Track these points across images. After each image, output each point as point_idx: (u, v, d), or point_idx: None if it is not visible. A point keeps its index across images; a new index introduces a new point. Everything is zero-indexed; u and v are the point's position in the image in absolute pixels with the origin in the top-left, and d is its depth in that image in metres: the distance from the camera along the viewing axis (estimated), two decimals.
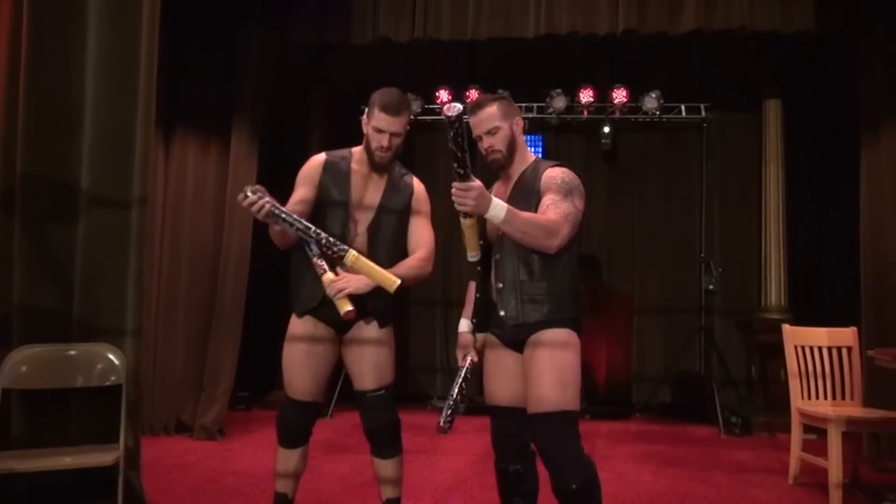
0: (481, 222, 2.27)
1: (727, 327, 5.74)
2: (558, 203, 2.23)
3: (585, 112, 5.68)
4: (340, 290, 2.37)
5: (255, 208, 2.33)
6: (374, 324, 2.55)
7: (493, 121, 2.32)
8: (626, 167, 6.03)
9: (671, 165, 5.99)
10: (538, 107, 5.66)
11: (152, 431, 4.54)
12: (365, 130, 2.55)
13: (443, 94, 5.74)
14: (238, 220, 4.70)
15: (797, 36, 4.80)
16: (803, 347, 3.76)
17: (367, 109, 2.53)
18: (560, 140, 6.06)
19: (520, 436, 2.33)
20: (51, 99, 3.00)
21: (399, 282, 2.39)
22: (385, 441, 2.57)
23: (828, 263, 5.59)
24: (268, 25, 4.88)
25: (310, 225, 2.40)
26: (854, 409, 3.61)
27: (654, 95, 5.46)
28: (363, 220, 2.55)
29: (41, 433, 2.92)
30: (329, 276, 2.40)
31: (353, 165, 2.59)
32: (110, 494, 2.81)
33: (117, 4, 3.05)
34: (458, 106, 1.96)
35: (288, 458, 2.59)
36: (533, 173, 2.35)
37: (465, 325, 2.51)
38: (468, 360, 2.42)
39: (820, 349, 3.75)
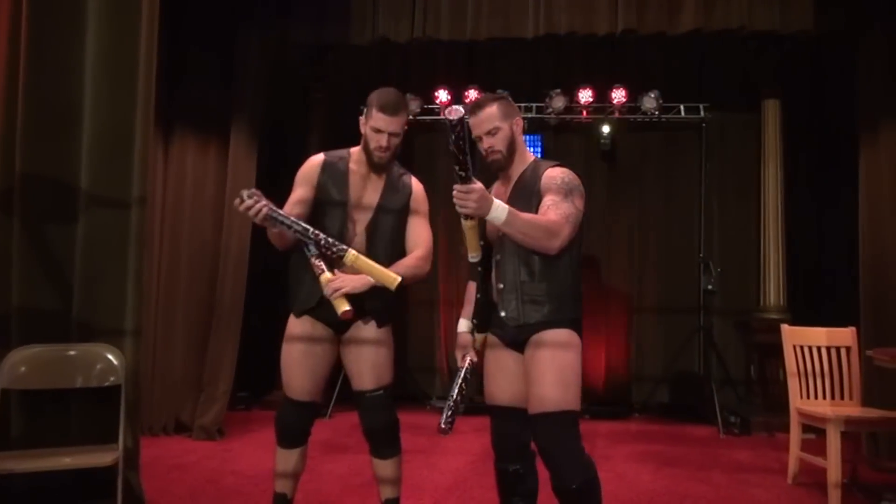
0: (482, 223, 2.27)
1: (726, 327, 5.74)
2: (559, 204, 2.23)
3: (584, 112, 5.69)
4: (337, 290, 2.38)
5: (252, 212, 2.34)
6: (373, 324, 2.55)
7: (494, 121, 2.33)
8: (626, 167, 6.03)
9: (670, 165, 5.99)
10: (537, 107, 5.66)
11: (151, 432, 4.54)
12: (363, 131, 2.55)
13: (442, 95, 5.74)
14: (237, 221, 4.70)
15: (796, 36, 4.80)
16: (802, 347, 3.77)
17: (364, 110, 2.54)
18: (559, 140, 6.06)
19: (520, 436, 2.34)
20: (50, 99, 3.00)
21: (400, 279, 2.39)
22: (384, 441, 2.57)
23: (827, 263, 5.59)
24: (267, 25, 4.88)
25: (308, 226, 2.41)
26: (853, 409, 3.61)
27: (653, 95, 5.46)
28: (361, 220, 2.55)
29: (40, 433, 2.92)
30: (327, 275, 2.40)
31: (352, 165, 2.60)
32: (109, 495, 2.80)
33: (116, 4, 3.05)
34: (460, 109, 1.97)
35: (287, 459, 2.59)
36: (533, 173, 2.35)
37: (464, 325, 2.52)
38: (467, 361, 2.42)
39: (819, 349, 3.76)
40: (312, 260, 2.42)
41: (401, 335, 5.78)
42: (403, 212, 2.60)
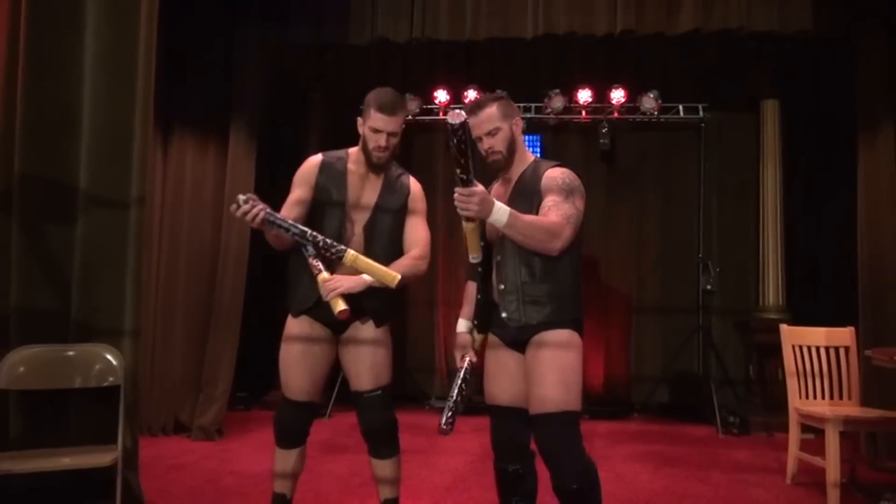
0: (482, 224, 2.27)
1: (725, 327, 5.74)
2: (560, 204, 2.24)
3: (583, 112, 5.69)
4: (333, 290, 2.38)
5: (249, 217, 2.34)
6: (371, 324, 2.56)
7: (494, 122, 2.33)
8: (624, 167, 6.03)
9: (669, 166, 5.99)
10: (536, 107, 5.67)
11: (150, 432, 4.53)
12: (361, 131, 2.55)
13: (441, 95, 5.75)
14: (236, 221, 4.62)
15: (795, 36, 4.80)
16: (801, 347, 3.77)
17: (362, 110, 2.53)
18: (558, 140, 6.06)
19: (519, 436, 2.34)
20: (49, 99, 3.00)
21: (399, 277, 2.40)
22: (382, 441, 2.57)
23: (825, 263, 5.59)
24: (266, 26, 4.88)
25: (306, 229, 2.41)
26: (851, 409, 3.62)
27: (652, 96, 5.47)
28: (360, 220, 2.56)
29: (39, 434, 2.92)
30: (324, 275, 2.41)
31: (350, 166, 2.60)
32: (109, 495, 2.80)
33: (115, 4, 3.05)
34: (462, 113, 1.97)
35: (285, 459, 2.59)
36: (533, 174, 2.36)
37: (463, 325, 2.52)
38: (466, 361, 2.42)
39: (817, 349, 3.76)
40: (310, 260, 2.42)
41: (400, 335, 5.79)
42: (401, 211, 2.60)
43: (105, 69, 3.03)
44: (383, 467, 2.59)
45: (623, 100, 5.57)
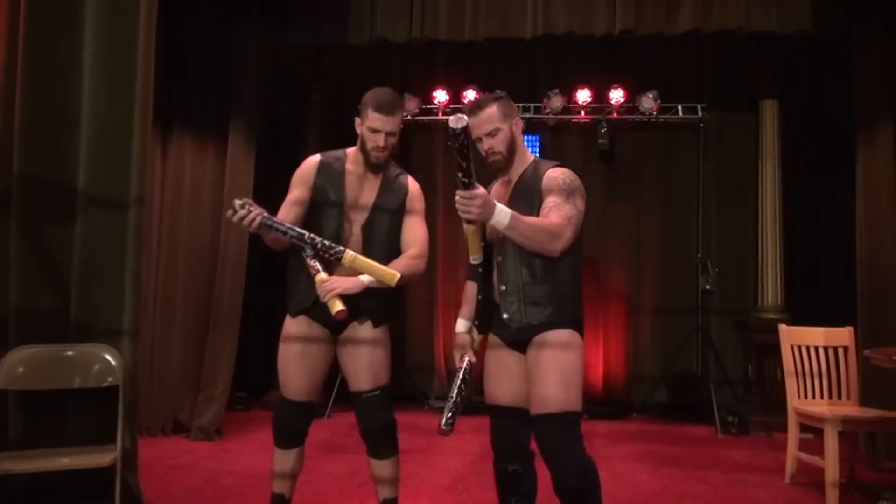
0: (483, 225, 2.27)
1: (724, 327, 5.75)
2: (560, 205, 2.24)
3: (582, 112, 5.70)
4: (330, 291, 2.38)
5: (245, 222, 2.35)
6: (369, 324, 2.56)
7: (494, 122, 2.32)
8: (623, 167, 6.03)
9: (668, 166, 6.00)
10: (535, 107, 5.68)
11: (149, 432, 4.53)
12: (359, 131, 2.55)
13: (440, 95, 5.75)
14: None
15: (794, 37, 4.81)
16: (800, 347, 3.77)
17: (360, 110, 2.53)
18: (557, 140, 6.06)
19: (519, 436, 2.34)
20: (48, 99, 3.00)
21: (399, 275, 2.40)
22: (381, 442, 2.57)
23: (824, 263, 5.60)
24: (265, 26, 4.88)
25: (303, 231, 2.42)
26: (850, 409, 3.62)
27: (651, 96, 5.47)
28: (358, 220, 2.56)
29: (38, 434, 2.92)
30: (322, 276, 2.41)
31: (348, 166, 2.60)
32: (108, 495, 2.80)
33: (114, 4, 3.05)
34: (464, 117, 1.97)
35: (284, 459, 2.59)
36: (534, 174, 2.36)
37: (462, 325, 2.52)
38: (466, 361, 2.42)
39: (816, 349, 3.76)
40: (308, 261, 2.43)
41: (399, 335, 5.79)
42: (400, 211, 2.60)
43: (104, 69, 3.03)
44: (382, 467, 2.59)
45: (622, 100, 5.57)
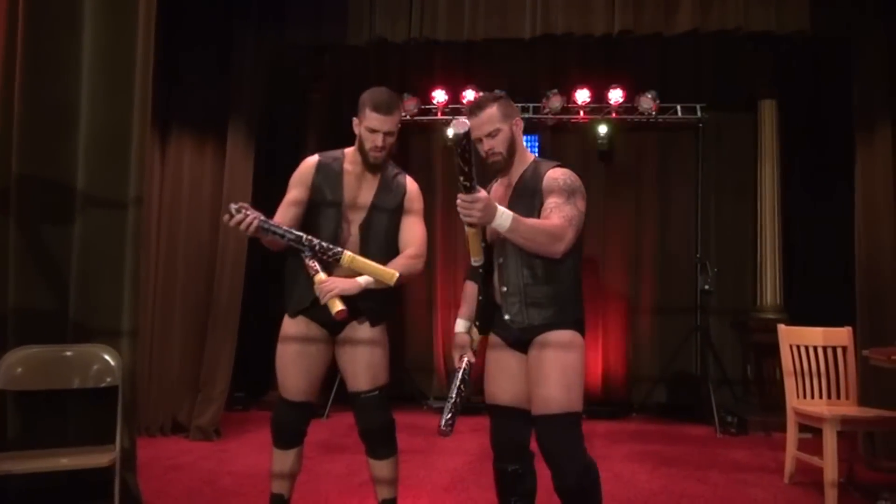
0: (484, 227, 2.27)
1: (723, 327, 5.75)
2: (561, 206, 2.24)
3: (582, 112, 5.70)
4: (329, 292, 2.38)
5: (242, 226, 2.35)
6: (367, 324, 2.55)
7: (494, 123, 2.32)
8: (623, 167, 6.04)
9: (667, 166, 6.00)
10: (534, 107, 5.67)
11: (148, 432, 4.53)
12: (357, 131, 2.56)
13: (439, 95, 5.75)
14: None
15: (793, 36, 4.81)
16: (798, 347, 3.78)
17: (357, 110, 2.53)
18: (556, 140, 6.06)
19: (519, 436, 2.34)
20: (46, 99, 2.99)
21: (398, 274, 2.40)
22: (380, 442, 2.57)
23: (823, 263, 5.59)
24: (264, 26, 4.88)
25: (300, 234, 2.42)
26: (849, 409, 3.62)
27: (650, 96, 5.47)
28: (356, 220, 2.56)
29: (37, 434, 2.92)
30: (320, 276, 2.41)
31: (346, 166, 2.60)
32: (107, 496, 2.80)
33: (113, 4, 3.05)
34: (466, 122, 1.97)
35: (283, 459, 2.59)
36: (534, 174, 2.35)
37: (461, 325, 2.52)
38: (465, 361, 2.42)
39: (815, 349, 3.77)
40: (307, 261, 2.43)
41: (398, 335, 5.79)
42: (398, 211, 2.60)
43: (103, 69, 3.03)
44: (381, 468, 2.58)
45: (621, 100, 5.57)
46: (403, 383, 5.69)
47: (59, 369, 2.91)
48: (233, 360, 4.74)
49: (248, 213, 2.36)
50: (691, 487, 3.67)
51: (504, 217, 2.12)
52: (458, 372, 2.39)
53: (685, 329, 5.66)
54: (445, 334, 5.88)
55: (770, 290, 5.32)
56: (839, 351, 3.75)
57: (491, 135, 2.33)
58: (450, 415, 2.27)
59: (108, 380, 2.91)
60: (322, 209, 2.55)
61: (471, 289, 2.52)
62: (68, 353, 2.94)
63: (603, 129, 5.79)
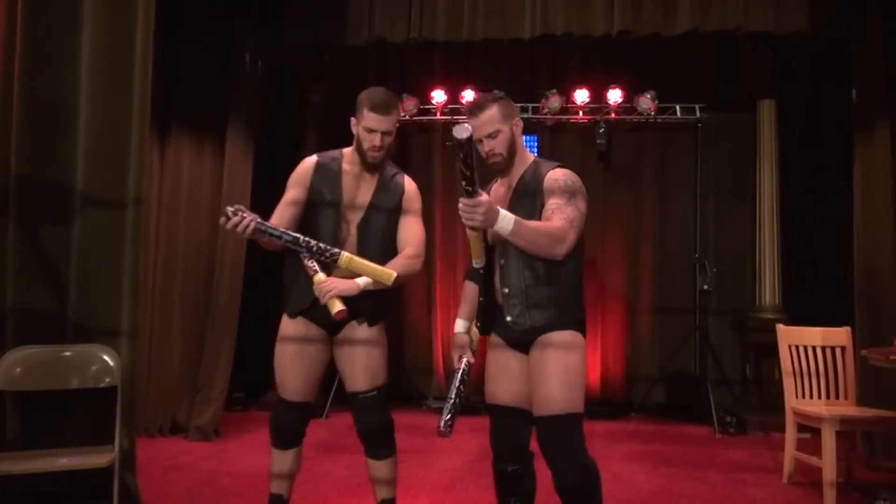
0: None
1: (722, 327, 5.75)
2: (563, 208, 2.24)
3: (581, 112, 5.70)
4: (328, 292, 2.38)
5: (239, 229, 2.35)
6: (365, 324, 2.55)
7: (494, 124, 2.31)
8: (621, 167, 6.03)
9: (666, 166, 6.00)
10: (533, 107, 5.68)
11: (147, 433, 4.53)
12: (355, 131, 2.56)
13: (438, 95, 5.76)
14: None
15: (791, 37, 4.81)
16: (797, 347, 3.78)
17: (355, 110, 2.53)
18: (555, 140, 6.06)
19: (519, 436, 2.35)
20: (45, 99, 2.99)
21: (395, 274, 2.40)
22: (378, 442, 2.57)
23: (822, 263, 5.60)
24: (263, 26, 4.88)
25: (298, 235, 2.42)
26: (848, 409, 3.63)
27: (648, 96, 5.48)
28: (354, 220, 2.56)
29: (36, 435, 2.91)
30: (320, 276, 2.41)
31: (345, 166, 2.60)
32: (106, 496, 2.80)
33: (112, 4, 3.04)
34: (469, 127, 1.97)
35: (282, 460, 2.59)
36: (534, 174, 2.35)
37: (461, 325, 2.52)
38: (464, 361, 2.42)
39: (814, 349, 3.77)
40: (305, 261, 2.43)
41: (397, 335, 5.79)
42: (396, 211, 2.60)
43: (102, 69, 3.03)
44: (380, 468, 2.59)
45: (620, 100, 5.58)
46: (402, 383, 5.69)
47: (58, 369, 2.91)
48: (232, 361, 4.74)
49: (245, 215, 2.37)
50: (690, 487, 3.67)
51: (506, 220, 2.11)
52: (458, 372, 2.39)
53: (684, 329, 5.66)
54: (444, 334, 5.88)
55: (769, 290, 5.32)
56: (838, 351, 3.75)
57: (491, 136, 2.32)
58: (449, 415, 2.27)
59: (107, 380, 2.91)
60: (321, 209, 2.55)
61: (470, 289, 2.52)
62: (67, 354, 2.94)
63: (602, 130, 5.77)
